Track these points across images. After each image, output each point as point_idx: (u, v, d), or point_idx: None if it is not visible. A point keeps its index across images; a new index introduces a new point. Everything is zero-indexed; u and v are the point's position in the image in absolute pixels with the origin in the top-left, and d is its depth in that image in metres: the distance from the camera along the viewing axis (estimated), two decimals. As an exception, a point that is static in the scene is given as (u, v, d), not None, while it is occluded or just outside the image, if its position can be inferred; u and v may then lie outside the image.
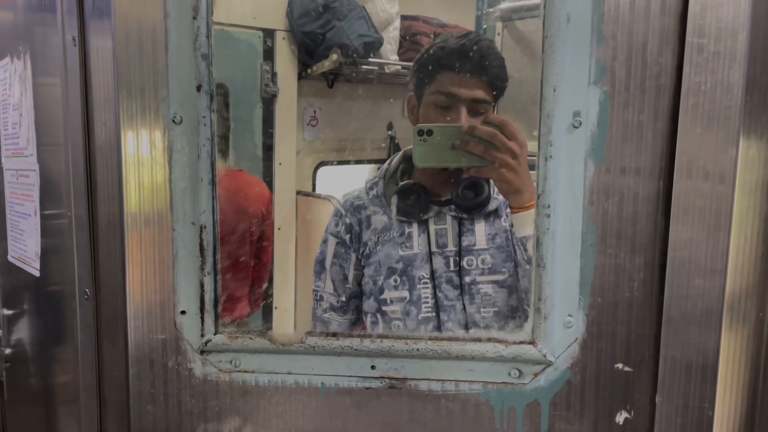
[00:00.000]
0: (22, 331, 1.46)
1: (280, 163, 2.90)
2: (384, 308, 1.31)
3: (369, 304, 1.33)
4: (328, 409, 0.88)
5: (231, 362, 0.87)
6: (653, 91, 0.78)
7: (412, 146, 1.27)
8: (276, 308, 2.67)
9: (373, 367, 0.86)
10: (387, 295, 1.30)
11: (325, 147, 3.76)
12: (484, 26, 2.91)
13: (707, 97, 0.75)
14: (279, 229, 2.81)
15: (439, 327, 1.27)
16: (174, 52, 0.82)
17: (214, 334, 0.86)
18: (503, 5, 2.72)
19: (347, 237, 1.36)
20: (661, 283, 0.81)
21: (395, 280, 1.29)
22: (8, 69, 1.29)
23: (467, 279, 1.26)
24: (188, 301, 0.86)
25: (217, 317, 0.86)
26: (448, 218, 1.29)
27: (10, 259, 1.39)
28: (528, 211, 1.14)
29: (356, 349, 0.85)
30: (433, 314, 1.27)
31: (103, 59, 0.88)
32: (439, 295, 1.27)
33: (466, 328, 1.26)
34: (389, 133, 3.59)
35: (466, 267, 1.27)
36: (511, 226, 1.26)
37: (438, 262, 1.28)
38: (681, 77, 0.76)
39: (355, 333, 0.85)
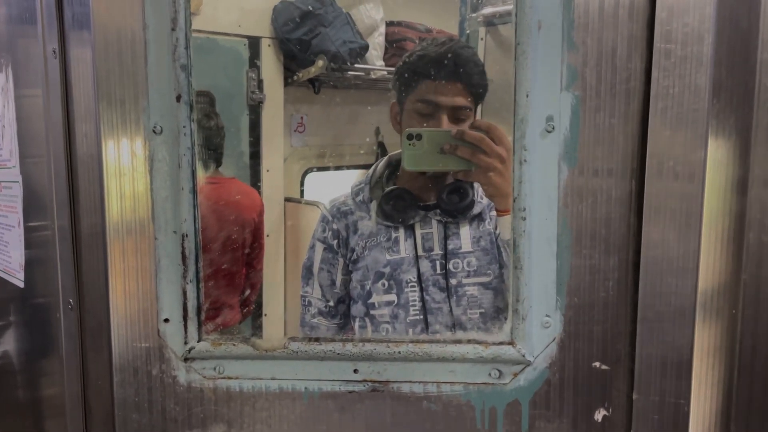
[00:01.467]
0: (6, 344, 1.46)
1: (267, 170, 2.90)
2: (372, 312, 1.32)
3: (357, 309, 1.35)
4: (312, 413, 0.89)
5: (215, 369, 0.88)
6: (623, 95, 0.80)
7: (397, 151, 1.34)
8: (266, 315, 2.67)
9: (355, 371, 0.87)
10: (375, 299, 1.32)
11: (313, 153, 3.77)
12: (467, 31, 2.94)
13: (675, 100, 0.77)
14: (268, 235, 2.81)
15: (426, 329, 1.29)
16: (153, 64, 0.83)
17: (198, 342, 0.87)
18: (485, 10, 2.74)
19: (334, 242, 1.38)
20: (636, 282, 0.83)
21: (383, 284, 1.31)
22: (-10, 81, 1.29)
23: (453, 281, 1.29)
24: (171, 309, 0.87)
25: (200, 324, 0.87)
26: (434, 222, 1.31)
27: (-6, 270, 1.39)
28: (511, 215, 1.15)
29: (339, 353, 0.86)
30: (421, 317, 1.29)
31: (83, 71, 0.89)
32: (427, 297, 1.30)
33: (453, 329, 1.28)
34: (377, 138, 3.60)
35: (452, 270, 1.29)
36: (496, 228, 1.29)
37: (425, 266, 1.30)
38: (650, 81, 0.79)
39: (338, 337, 0.86)
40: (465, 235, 1.31)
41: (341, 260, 1.38)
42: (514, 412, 0.87)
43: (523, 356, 0.85)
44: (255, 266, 2.50)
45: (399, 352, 0.86)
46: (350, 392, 0.88)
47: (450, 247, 1.30)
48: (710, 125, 0.77)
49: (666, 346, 0.82)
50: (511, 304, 0.85)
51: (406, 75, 1.29)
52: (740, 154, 0.79)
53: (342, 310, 1.40)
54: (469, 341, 0.86)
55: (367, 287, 1.32)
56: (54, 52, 0.92)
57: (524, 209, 0.82)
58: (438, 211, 1.31)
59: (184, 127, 0.84)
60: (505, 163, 1.13)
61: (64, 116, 0.93)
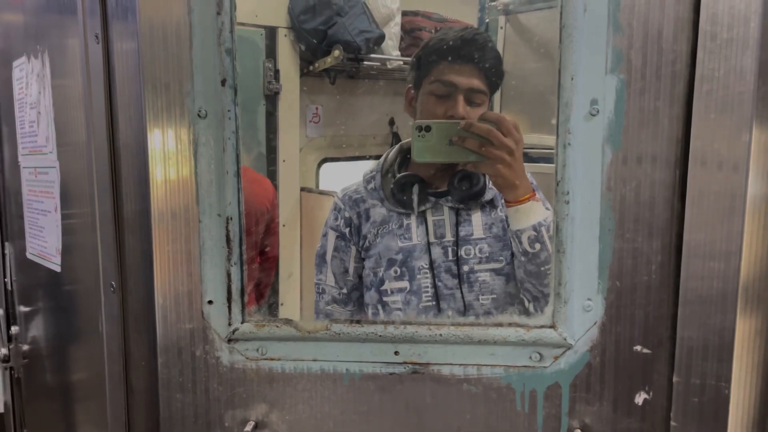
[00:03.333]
0: (43, 326, 1.48)
1: (284, 160, 2.91)
2: (385, 299, 1.33)
3: (370, 296, 1.36)
4: (352, 394, 0.90)
5: (258, 350, 0.89)
6: (668, 78, 0.80)
7: (408, 140, 1.33)
8: (282, 304, 2.69)
9: (396, 353, 0.88)
10: (388, 285, 1.33)
11: (328, 143, 3.78)
12: (487, 20, 2.92)
13: (721, 83, 0.77)
14: (284, 225, 2.82)
15: (438, 314, 1.30)
16: (198, 48, 0.84)
17: (241, 323, 0.88)
18: (505, -1, 2.74)
19: (347, 230, 1.39)
20: (678, 266, 0.83)
21: (395, 271, 1.32)
22: (25, 68, 1.30)
23: (465, 268, 1.30)
24: (215, 291, 0.88)
25: (243, 306, 0.88)
26: (446, 209, 1.32)
27: (29, 256, 1.41)
28: (522, 205, 1.18)
29: (380, 336, 0.87)
30: (434, 303, 1.30)
31: (126, 56, 0.90)
32: (439, 284, 1.30)
33: (465, 315, 1.29)
34: (392, 128, 3.61)
35: (464, 256, 1.30)
36: (507, 218, 1.28)
37: (437, 252, 1.30)
38: (695, 64, 0.78)
39: (379, 320, 0.87)
40: (477, 222, 1.32)
41: (354, 248, 1.39)
42: (555, 395, 0.87)
43: (565, 339, 0.85)
44: (268, 254, 2.52)
45: (440, 335, 0.87)
46: (391, 374, 0.89)
47: (462, 233, 1.31)
48: (756, 109, 0.77)
49: (707, 330, 0.82)
50: (553, 288, 0.85)
51: (426, 58, 1.31)
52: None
53: (355, 297, 1.42)
54: (510, 324, 0.87)
55: (380, 274, 1.33)
56: (96, 37, 0.93)
57: (567, 193, 0.82)
58: (449, 197, 1.32)
59: (228, 111, 0.85)
60: (514, 155, 1.15)
61: (107, 102, 0.94)
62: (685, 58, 0.79)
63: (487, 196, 1.33)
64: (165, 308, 0.89)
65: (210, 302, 0.88)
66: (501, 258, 1.30)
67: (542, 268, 1.19)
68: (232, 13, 0.83)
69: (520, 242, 1.20)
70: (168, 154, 0.86)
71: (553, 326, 0.86)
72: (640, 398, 0.86)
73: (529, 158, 2.70)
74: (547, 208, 1.21)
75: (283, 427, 0.91)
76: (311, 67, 3.08)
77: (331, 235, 1.41)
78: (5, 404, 1.72)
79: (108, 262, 0.98)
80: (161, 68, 0.85)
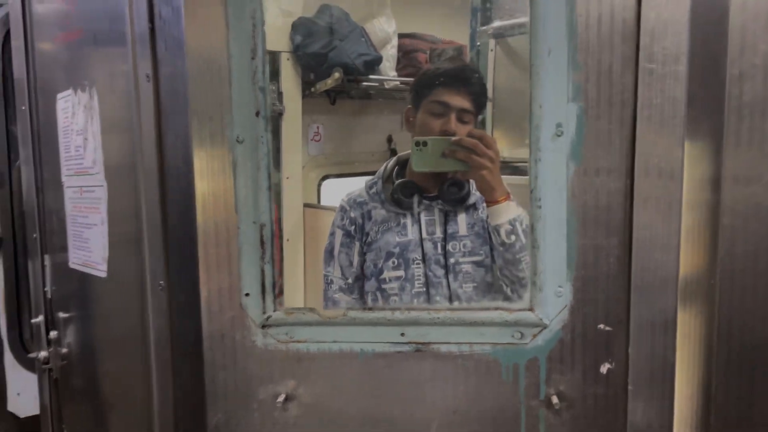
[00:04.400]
0: (81, 330, 1.65)
1: (287, 177, 3.06)
2: (383, 286, 1.59)
3: (370, 285, 1.61)
4: (366, 370, 1.08)
5: (287, 334, 1.08)
6: (618, 105, 0.99)
7: (405, 152, 1.65)
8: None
9: (402, 335, 1.07)
10: (386, 275, 1.58)
11: (329, 161, 3.96)
12: (478, 43, 3.12)
13: (658, 109, 0.97)
14: (287, 240, 2.98)
15: (428, 300, 1.55)
16: (236, 86, 1.03)
17: (274, 311, 1.06)
18: (495, 24, 2.93)
19: (352, 228, 1.65)
20: (630, 258, 1.02)
21: (393, 262, 1.58)
22: (70, 100, 1.49)
23: (452, 260, 1.56)
24: (251, 285, 1.06)
25: (274, 298, 1.06)
26: (436, 210, 1.60)
27: (71, 265, 1.59)
28: (500, 204, 1.46)
29: (389, 320, 1.05)
30: (424, 290, 1.56)
31: (174, 93, 1.09)
32: (429, 273, 1.56)
33: (450, 300, 1.55)
34: (390, 145, 3.80)
35: (451, 250, 1.57)
36: (487, 217, 1.55)
37: (428, 247, 1.57)
38: (637, 94, 0.98)
39: (387, 306, 1.04)
40: (461, 221, 1.60)
41: (358, 243, 1.65)
42: (534, 366, 1.05)
43: (541, 320, 1.04)
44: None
45: (439, 318, 1.05)
46: (398, 352, 1.07)
47: (449, 231, 1.58)
48: (686, 130, 0.97)
49: (655, 309, 1.00)
50: (530, 277, 1.04)
51: (425, 83, 1.58)
52: (713, 153, 0.98)
53: (358, 287, 1.66)
54: (496, 308, 1.05)
55: (380, 265, 1.60)
56: (147, 76, 1.12)
57: (539, 199, 1.01)
58: (439, 201, 1.59)
59: (261, 137, 1.04)
60: (494, 163, 1.42)
61: (156, 130, 1.12)
62: (630, 89, 0.99)
63: (471, 200, 1.60)
64: (209, 301, 1.07)
65: (247, 294, 1.07)
66: (481, 252, 1.57)
67: (517, 256, 1.45)
68: (264, 58, 1.02)
69: (499, 234, 1.46)
70: (211, 173, 1.05)
71: (531, 309, 1.04)
72: (604, 368, 1.04)
73: (519, 171, 2.90)
74: (518, 207, 1.47)
75: (309, 399, 1.09)
76: (312, 89, 3.24)
77: (338, 233, 1.67)
78: (43, 405, 1.89)
79: (156, 265, 1.16)
80: (206, 103, 1.04)
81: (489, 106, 3.02)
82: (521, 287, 1.46)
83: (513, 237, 1.46)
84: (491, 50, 3.09)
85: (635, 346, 1.02)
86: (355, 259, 1.65)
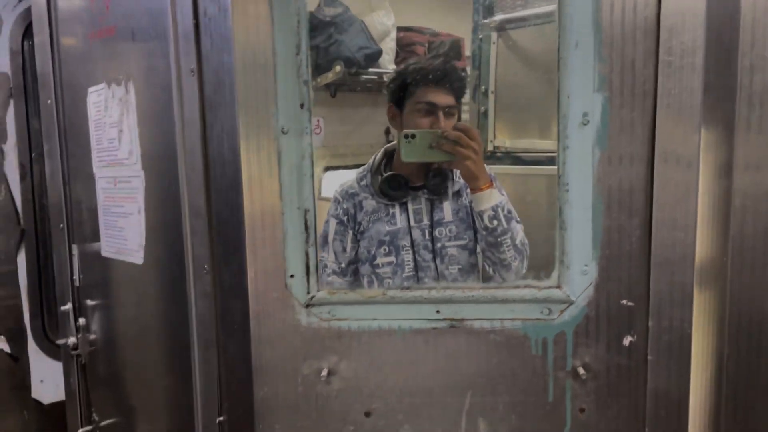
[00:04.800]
0: (113, 316, 1.71)
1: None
2: (377, 270, 1.72)
3: (365, 269, 1.74)
4: (403, 345, 1.15)
5: (329, 313, 1.15)
6: (640, 95, 1.06)
7: (391, 144, 1.80)
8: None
9: (437, 312, 1.14)
10: (379, 260, 1.70)
11: (329, 153, 4.01)
12: (480, 36, 3.19)
13: (676, 99, 1.04)
14: (291, 229, 3.02)
15: (417, 282, 1.68)
16: (281, 79, 1.09)
17: (317, 291, 1.13)
18: (497, 17, 3.00)
19: (345, 218, 1.76)
20: (650, 237, 1.09)
21: (384, 249, 1.70)
22: (103, 93, 1.55)
23: (438, 245, 1.68)
24: (296, 267, 1.13)
25: (318, 278, 1.13)
26: (422, 199, 1.71)
27: (104, 254, 1.65)
28: (483, 192, 1.56)
29: (426, 298, 1.13)
30: (414, 273, 1.68)
31: (220, 86, 1.15)
32: (418, 258, 1.68)
33: (438, 282, 1.67)
34: (387, 138, 3.87)
35: (438, 236, 1.69)
36: (471, 203, 1.66)
37: (416, 234, 1.69)
38: (658, 84, 1.05)
39: (424, 285, 1.11)
40: (447, 208, 1.71)
41: (350, 232, 1.76)
42: (561, 340, 1.13)
43: (568, 296, 1.11)
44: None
45: (472, 296, 1.12)
46: (434, 329, 1.15)
47: (435, 218, 1.70)
48: (702, 118, 1.04)
49: (673, 284, 1.08)
50: (557, 257, 1.11)
51: (407, 83, 1.68)
52: (726, 138, 1.06)
53: (351, 270, 1.79)
54: (525, 286, 1.13)
55: (372, 252, 1.71)
56: (192, 71, 1.18)
57: (567, 184, 1.08)
58: (425, 190, 1.71)
59: (305, 127, 1.10)
60: (478, 154, 1.52)
61: (201, 122, 1.18)
62: (651, 80, 1.06)
63: (455, 187, 1.71)
64: (256, 282, 1.14)
65: (292, 276, 1.13)
66: (465, 236, 1.69)
67: (499, 239, 1.55)
68: (308, 53, 1.08)
69: (482, 220, 1.56)
70: (257, 161, 1.11)
71: (558, 287, 1.12)
72: (627, 341, 1.12)
73: (521, 161, 2.97)
74: (501, 194, 1.58)
75: (350, 373, 1.16)
76: (314, 82, 3.28)
77: (332, 222, 1.78)
78: (71, 391, 1.95)
79: (201, 250, 1.23)
80: (252, 96, 1.10)
81: (491, 98, 3.09)
82: (503, 268, 1.58)
83: (495, 222, 1.55)
84: (493, 43, 3.15)
85: (655, 320, 1.10)
86: (348, 246, 1.76)
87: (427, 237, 1.69)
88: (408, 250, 1.68)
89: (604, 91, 1.06)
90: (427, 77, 1.65)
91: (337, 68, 3.35)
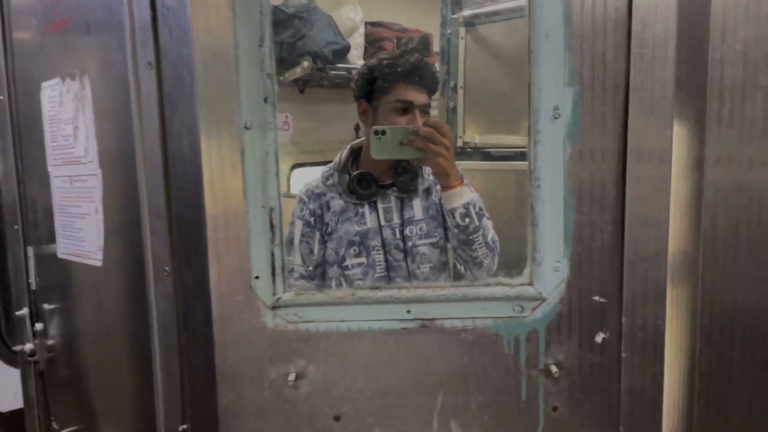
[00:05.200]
0: (70, 321, 1.64)
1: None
2: (347, 272, 1.66)
3: (333, 271, 1.68)
4: (374, 347, 1.12)
5: (296, 315, 1.11)
6: (611, 89, 1.05)
7: (358, 140, 1.74)
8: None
9: (408, 312, 1.11)
10: (348, 262, 1.65)
11: (298, 150, 3.97)
12: (449, 31, 3.17)
13: (648, 92, 1.03)
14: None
15: (389, 282, 1.63)
16: (243, 73, 1.05)
17: (284, 293, 1.09)
18: (466, 12, 2.98)
19: (312, 219, 1.69)
20: (623, 233, 1.08)
21: (354, 250, 1.64)
22: (57, 88, 1.48)
23: (409, 244, 1.66)
24: (261, 268, 1.09)
25: (284, 279, 1.09)
26: (392, 198, 1.67)
27: (60, 255, 1.58)
28: (454, 189, 1.53)
29: (396, 297, 1.09)
30: (386, 273, 1.63)
31: (178, 80, 1.10)
32: (390, 258, 1.64)
33: (410, 281, 1.64)
34: (357, 134, 3.84)
35: (408, 234, 1.66)
36: (440, 200, 1.63)
37: (387, 233, 1.65)
38: (629, 78, 1.04)
39: (394, 285, 1.08)
40: (417, 206, 1.68)
41: (318, 233, 1.70)
42: (534, 338, 1.11)
43: (540, 294, 1.09)
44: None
45: (443, 295, 1.09)
46: (404, 329, 1.11)
47: (406, 216, 1.67)
48: (674, 111, 1.03)
49: (646, 281, 1.07)
50: (529, 253, 1.09)
51: (381, 79, 1.63)
52: (698, 134, 1.05)
53: (319, 273, 1.73)
54: (497, 284, 1.10)
55: (341, 253, 1.66)
56: (150, 64, 1.13)
57: (538, 179, 1.06)
58: (395, 188, 1.67)
59: (269, 122, 1.06)
60: (449, 151, 1.49)
61: (160, 117, 1.13)
62: (623, 74, 1.04)
63: (425, 185, 1.68)
64: (219, 284, 1.09)
65: (257, 277, 1.09)
66: (436, 234, 1.67)
67: (471, 237, 1.53)
68: (271, 45, 1.04)
69: (454, 217, 1.54)
70: (219, 158, 1.07)
71: (530, 284, 1.10)
72: (599, 337, 1.10)
73: (490, 157, 2.96)
74: (471, 192, 1.56)
75: (319, 376, 1.12)
76: (281, 78, 3.25)
77: (298, 224, 1.71)
78: (28, 398, 1.87)
79: (161, 251, 1.17)
80: (213, 90, 1.05)
81: (460, 93, 3.07)
82: (474, 266, 1.56)
83: (467, 219, 1.53)
84: (462, 38, 3.14)
85: (628, 316, 1.08)
86: (316, 248, 1.70)
87: (398, 236, 1.65)
88: (379, 250, 1.65)
89: (575, 85, 1.04)
90: (403, 74, 1.61)
91: (305, 63, 3.30)
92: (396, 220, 1.66)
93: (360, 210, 1.67)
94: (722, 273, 1.08)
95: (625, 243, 1.07)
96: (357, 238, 1.65)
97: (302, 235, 1.71)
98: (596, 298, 1.10)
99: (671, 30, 1.02)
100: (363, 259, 1.65)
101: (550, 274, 1.09)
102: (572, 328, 1.11)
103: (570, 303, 1.10)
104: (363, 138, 1.78)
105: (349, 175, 1.69)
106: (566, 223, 1.08)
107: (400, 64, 1.63)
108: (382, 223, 1.66)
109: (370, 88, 1.65)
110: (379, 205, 1.67)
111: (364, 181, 1.66)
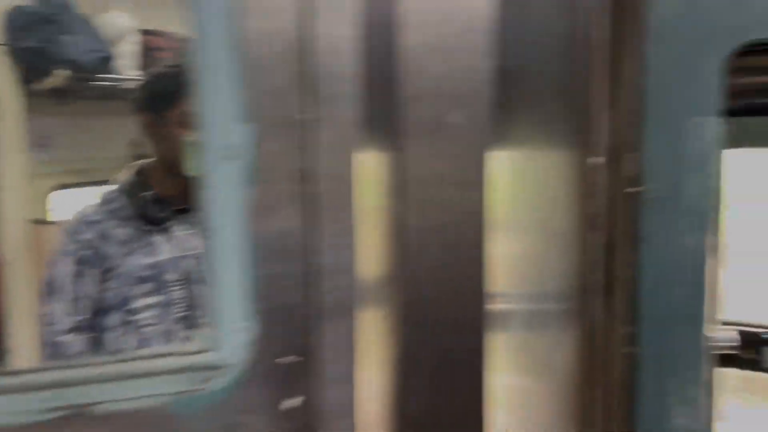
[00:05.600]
0: None
1: (6, 188, 2.67)
2: (131, 318, 1.37)
3: (112, 319, 1.38)
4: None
5: None
6: (291, 125, 0.94)
7: (148, 160, 1.55)
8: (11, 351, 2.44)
9: (52, 399, 0.88)
10: (135, 304, 1.37)
11: (63, 169, 3.53)
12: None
13: (332, 129, 0.93)
14: (10, 262, 2.58)
15: (195, 323, 1.37)
16: None
17: None
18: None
19: (88, 253, 1.41)
20: (316, 284, 0.97)
21: (145, 288, 1.36)
22: None
23: None
24: None
25: None
26: (191, 223, 1.46)
27: None
28: None
29: (39, 383, 0.87)
30: (189, 312, 1.38)
31: None
32: (195, 293, 1.38)
33: None
34: (134, 151, 3.49)
35: None
36: None
37: (188, 263, 1.41)
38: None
39: (27, 368, 0.86)
40: None
41: (95, 270, 1.39)
42: (214, 411, 0.95)
43: (220, 361, 0.94)
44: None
45: (101, 374, 0.89)
46: (49, 420, 0.89)
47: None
48: (361, 147, 0.95)
49: (337, 335, 0.97)
50: (207, 316, 0.94)
51: (170, 90, 1.46)
52: (395, 162, 0.98)
53: (97, 323, 1.41)
54: (169, 354, 0.93)
55: (127, 293, 1.36)
56: None
57: (211, 229, 0.91)
58: (194, 212, 1.40)
59: None
60: None
61: None
62: (305, 108, 0.94)
63: None
64: None
65: None
66: None
67: None
68: None
69: None
70: None
71: (210, 350, 0.94)
72: (290, 403, 0.98)
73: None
74: None
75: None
76: (35, 86, 2.92)
77: (66, 262, 1.41)
78: None
79: None
80: None
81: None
82: None
83: None
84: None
85: (322, 375, 0.98)
86: (93, 289, 1.40)
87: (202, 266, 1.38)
88: (178, 285, 1.40)
89: (250, 121, 0.91)
90: (188, 87, 1.38)
91: (63, 72, 2.96)
92: (198, 248, 1.41)
93: (150, 239, 1.43)
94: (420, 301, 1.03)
95: (315, 294, 0.97)
96: (147, 273, 1.39)
97: (75, 275, 1.40)
98: (289, 358, 0.98)
99: (353, 66, 0.94)
100: (157, 299, 1.38)
101: (234, 337, 0.94)
102: (262, 395, 0.97)
103: (256, 367, 0.96)
104: (153, 157, 1.51)
105: (141, 198, 1.44)
106: (248, 278, 0.94)
107: (181, 74, 1.41)
108: (183, 252, 1.42)
109: (155, 100, 1.46)
110: (177, 233, 1.45)
111: (158, 203, 1.46)
